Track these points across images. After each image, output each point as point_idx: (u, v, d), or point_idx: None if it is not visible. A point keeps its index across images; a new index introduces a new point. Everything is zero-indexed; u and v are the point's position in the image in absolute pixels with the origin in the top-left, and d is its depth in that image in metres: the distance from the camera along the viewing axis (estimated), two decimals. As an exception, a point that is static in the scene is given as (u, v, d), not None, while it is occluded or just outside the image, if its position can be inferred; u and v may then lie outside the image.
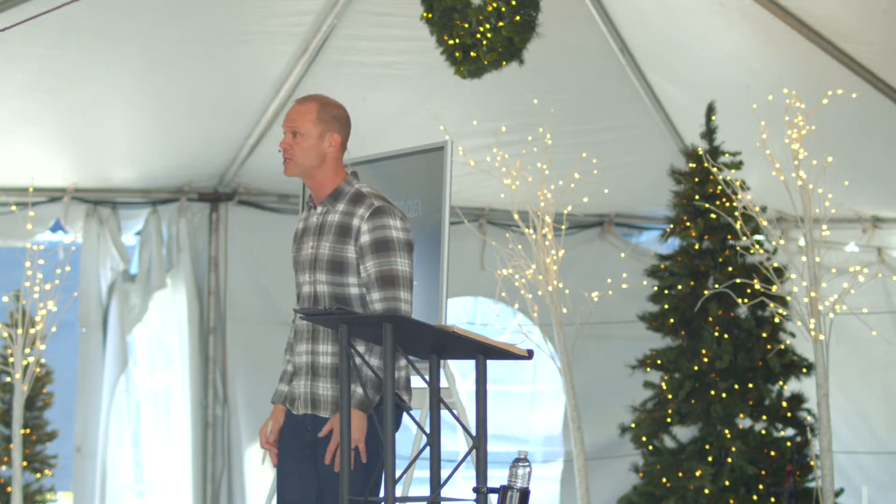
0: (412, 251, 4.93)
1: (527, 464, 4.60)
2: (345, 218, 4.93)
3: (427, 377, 4.72)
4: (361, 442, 4.80)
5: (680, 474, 8.66)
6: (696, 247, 8.92)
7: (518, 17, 7.83)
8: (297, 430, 5.02)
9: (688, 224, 8.94)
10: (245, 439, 10.30)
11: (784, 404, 8.75)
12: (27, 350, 7.74)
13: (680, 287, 8.91)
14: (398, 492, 4.79)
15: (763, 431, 8.71)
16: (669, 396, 8.82)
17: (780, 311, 7.98)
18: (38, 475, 9.40)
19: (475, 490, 4.64)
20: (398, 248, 4.88)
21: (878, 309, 9.85)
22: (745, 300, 8.36)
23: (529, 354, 4.74)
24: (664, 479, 8.70)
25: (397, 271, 4.85)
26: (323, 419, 4.93)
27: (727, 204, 8.65)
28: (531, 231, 8.47)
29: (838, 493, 8.19)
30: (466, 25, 7.86)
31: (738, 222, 8.03)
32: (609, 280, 9.02)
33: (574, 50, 9.36)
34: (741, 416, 8.67)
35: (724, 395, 8.64)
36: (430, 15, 7.93)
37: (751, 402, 8.69)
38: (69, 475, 9.91)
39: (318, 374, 4.93)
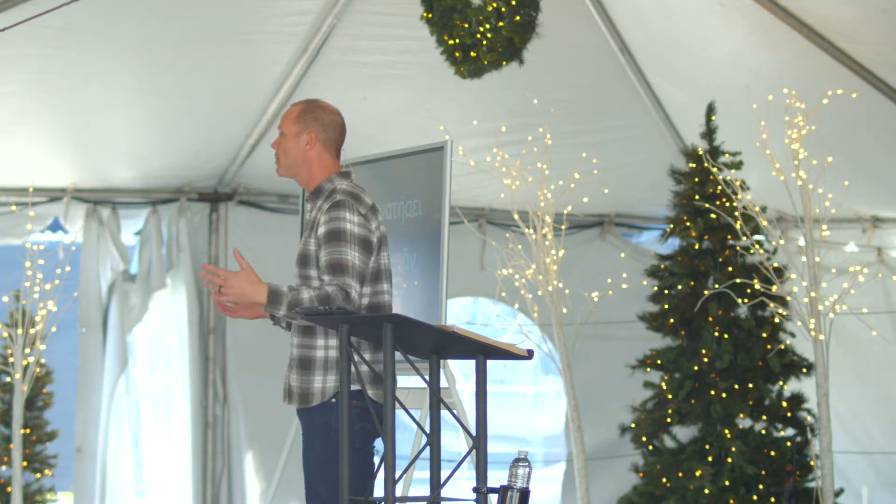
0: (369, 248, 4.84)
1: (526, 464, 4.60)
2: (316, 214, 4.94)
3: (427, 377, 4.72)
4: (235, 296, 4.73)
5: (680, 474, 8.65)
6: (696, 247, 8.92)
7: (518, 17, 7.83)
8: None
9: (688, 224, 8.94)
10: (245, 439, 10.29)
11: (784, 404, 8.74)
12: (27, 350, 7.74)
13: (680, 287, 8.91)
14: (398, 492, 4.78)
15: (763, 431, 8.71)
16: (669, 396, 8.81)
17: (780, 311, 7.98)
18: (38, 475, 9.40)
19: (475, 490, 4.64)
20: (349, 240, 4.79)
21: (877, 309, 9.85)
22: (745, 300, 8.35)
23: (529, 354, 4.74)
24: (664, 479, 8.70)
25: (346, 261, 4.76)
26: (297, 410, 4.95)
27: (727, 204, 8.65)
28: (531, 231, 8.46)
29: (838, 493, 8.19)
30: (466, 25, 7.86)
31: (738, 222, 8.03)
32: (609, 280, 9.01)
33: (574, 50, 9.36)
34: (741, 416, 8.66)
35: (724, 395, 8.63)
36: (430, 15, 7.93)
37: (751, 402, 8.68)
38: (69, 475, 9.91)
39: (290, 365, 4.96)
